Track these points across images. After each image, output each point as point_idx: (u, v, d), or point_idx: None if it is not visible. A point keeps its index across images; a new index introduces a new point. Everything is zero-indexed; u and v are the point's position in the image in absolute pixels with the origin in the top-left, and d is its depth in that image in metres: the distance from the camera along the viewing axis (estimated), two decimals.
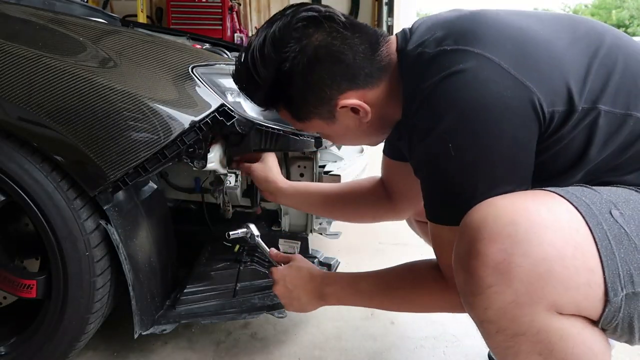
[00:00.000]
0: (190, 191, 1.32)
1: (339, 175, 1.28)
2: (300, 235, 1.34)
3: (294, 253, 1.32)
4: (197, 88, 1.02)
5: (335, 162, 1.39)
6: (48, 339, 1.02)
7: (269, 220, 1.38)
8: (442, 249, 0.78)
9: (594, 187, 0.69)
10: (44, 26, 1.01)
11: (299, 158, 1.31)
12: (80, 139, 0.92)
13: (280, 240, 1.33)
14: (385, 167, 1.11)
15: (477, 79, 0.68)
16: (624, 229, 0.63)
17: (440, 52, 0.73)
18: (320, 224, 1.40)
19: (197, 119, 0.98)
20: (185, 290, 1.18)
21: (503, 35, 0.72)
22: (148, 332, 1.08)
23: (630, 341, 0.67)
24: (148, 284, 1.08)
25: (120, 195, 1.01)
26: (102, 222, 0.98)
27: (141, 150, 0.94)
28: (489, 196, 0.69)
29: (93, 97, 0.92)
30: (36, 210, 0.94)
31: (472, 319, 0.68)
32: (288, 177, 1.32)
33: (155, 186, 1.14)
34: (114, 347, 1.23)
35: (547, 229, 0.62)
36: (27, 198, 0.93)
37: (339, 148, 1.49)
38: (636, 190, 0.70)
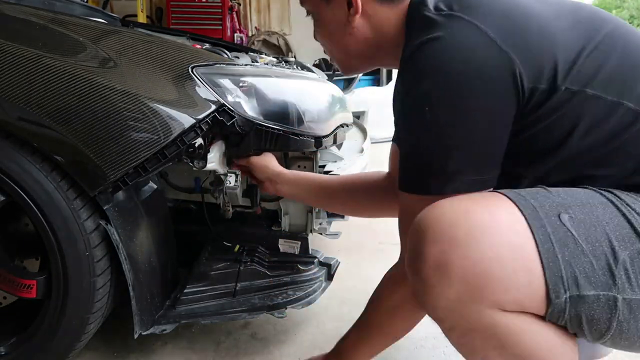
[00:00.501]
0: (190, 191, 1.32)
1: (339, 175, 1.28)
2: (300, 235, 1.34)
3: (294, 253, 1.32)
4: (197, 88, 1.02)
5: (335, 162, 1.39)
6: (48, 339, 1.02)
7: (269, 220, 1.38)
8: (405, 218, 0.77)
9: (551, 190, 0.70)
10: (44, 26, 1.01)
11: (299, 158, 1.31)
12: (80, 139, 0.92)
13: (280, 240, 1.33)
14: (393, 158, 1.09)
15: (458, 45, 0.69)
16: (571, 232, 0.63)
17: (434, 15, 0.73)
18: (320, 224, 1.40)
19: (197, 119, 0.98)
20: (185, 290, 1.18)
21: (499, 6, 0.73)
22: (148, 332, 1.09)
23: (588, 339, 0.67)
24: (148, 284, 1.08)
25: (120, 195, 1.01)
26: (102, 222, 0.98)
27: (141, 150, 0.94)
28: (459, 167, 0.70)
29: (93, 97, 0.92)
30: (36, 210, 0.94)
31: (426, 310, 0.71)
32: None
33: (155, 186, 1.14)
34: (114, 347, 1.23)
35: (485, 231, 0.63)
36: (27, 198, 0.93)
37: (339, 148, 1.49)
38: (601, 193, 0.69)
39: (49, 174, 0.94)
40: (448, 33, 0.69)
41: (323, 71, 2.11)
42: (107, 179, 0.94)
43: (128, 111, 0.93)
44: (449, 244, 0.64)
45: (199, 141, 0.99)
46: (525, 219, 0.64)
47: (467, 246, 0.63)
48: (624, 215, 0.65)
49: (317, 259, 1.32)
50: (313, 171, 1.31)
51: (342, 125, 1.35)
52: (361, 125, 2.02)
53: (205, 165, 1.03)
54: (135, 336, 1.05)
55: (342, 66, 0.97)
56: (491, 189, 0.73)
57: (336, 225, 1.52)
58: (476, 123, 0.69)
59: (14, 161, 0.93)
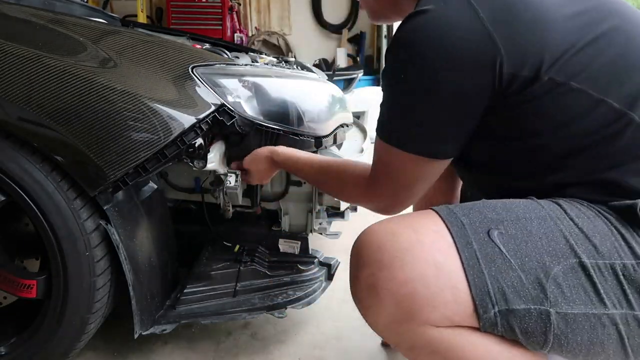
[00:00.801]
0: (190, 191, 1.32)
1: None
2: (300, 235, 1.34)
3: (294, 253, 1.32)
4: (197, 88, 1.02)
5: None
6: (48, 339, 1.02)
7: (269, 220, 1.38)
8: (375, 159, 0.82)
9: (489, 203, 0.71)
10: (44, 26, 1.01)
11: None
12: (81, 139, 0.92)
13: (280, 240, 1.33)
14: None
15: (442, 20, 0.68)
16: (499, 248, 0.64)
17: None
18: (320, 223, 1.40)
19: (197, 119, 0.98)
20: (185, 290, 1.18)
21: None
22: (148, 332, 1.09)
23: (531, 350, 0.68)
24: (148, 284, 1.08)
25: (120, 195, 1.01)
26: (102, 222, 0.98)
27: (141, 150, 0.94)
28: (422, 134, 0.73)
29: (93, 97, 0.92)
30: (36, 210, 0.94)
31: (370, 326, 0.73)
32: (288, 177, 1.32)
33: (155, 186, 1.14)
34: (114, 347, 1.23)
35: (409, 252, 0.65)
36: (27, 198, 0.93)
37: (339, 148, 1.49)
38: (542, 206, 0.69)
39: (49, 174, 0.94)
40: (438, 7, 0.69)
41: (323, 71, 2.11)
42: (107, 179, 0.94)
43: (128, 111, 0.93)
44: (377, 267, 0.66)
45: (199, 141, 0.99)
46: (452, 236, 0.66)
47: (393, 268, 0.65)
48: (560, 230, 0.66)
49: (317, 259, 1.32)
50: None
51: (342, 125, 1.35)
52: (361, 125, 2.01)
53: (205, 165, 1.03)
54: (135, 336, 1.05)
55: (370, 12, 0.96)
56: (445, 159, 0.75)
57: (336, 225, 1.51)
58: (443, 98, 0.69)
59: (14, 161, 0.93)
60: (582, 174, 0.71)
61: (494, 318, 0.63)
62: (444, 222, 0.68)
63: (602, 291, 0.63)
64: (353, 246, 0.73)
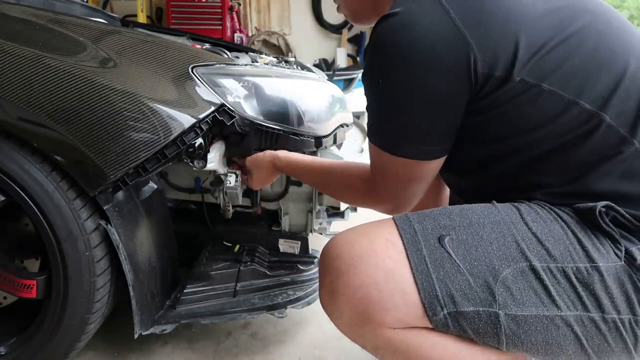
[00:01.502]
0: (190, 191, 1.32)
1: None
2: (300, 235, 1.34)
3: (294, 253, 1.32)
4: (197, 88, 1.02)
5: None
6: (48, 339, 1.02)
7: (269, 220, 1.38)
8: (370, 159, 0.83)
9: (445, 209, 0.73)
10: (44, 26, 1.01)
11: None
12: (80, 139, 0.92)
13: (280, 240, 1.33)
14: None
15: (415, 22, 0.68)
16: (448, 253, 0.67)
17: None
18: (320, 223, 1.40)
19: (197, 119, 0.98)
20: (185, 290, 1.18)
21: None
22: (148, 332, 1.09)
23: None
24: (148, 284, 1.08)
25: (120, 195, 1.01)
26: (102, 222, 0.98)
27: (141, 150, 0.94)
28: (405, 136, 0.74)
29: (93, 97, 0.92)
30: (36, 210, 0.94)
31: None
32: (288, 177, 1.32)
33: (155, 186, 1.14)
34: (114, 347, 1.23)
35: (362, 259, 0.69)
36: (27, 198, 0.93)
37: (339, 148, 1.49)
38: (499, 210, 0.71)
39: (49, 174, 0.94)
40: (410, 8, 0.69)
41: (323, 71, 2.11)
42: (107, 179, 0.94)
43: (128, 111, 0.93)
44: (335, 275, 0.71)
45: (199, 141, 0.99)
46: (403, 243, 0.69)
47: (348, 274, 0.69)
48: (512, 234, 0.68)
49: (317, 259, 1.32)
50: None
51: (342, 125, 1.35)
52: (361, 125, 2.01)
53: (205, 165, 1.03)
54: (135, 336, 1.05)
55: (351, 16, 0.96)
56: (435, 159, 0.77)
57: (336, 225, 1.51)
58: (423, 100, 0.70)
59: (14, 161, 0.93)
60: (552, 175, 0.72)
61: (444, 320, 0.66)
62: (397, 229, 0.71)
63: (554, 293, 0.65)
64: (320, 254, 0.77)
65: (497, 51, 0.67)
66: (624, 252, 0.66)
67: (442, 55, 0.67)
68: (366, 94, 0.78)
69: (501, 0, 0.70)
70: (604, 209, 0.67)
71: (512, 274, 0.66)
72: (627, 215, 0.67)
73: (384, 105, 0.75)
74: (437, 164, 0.78)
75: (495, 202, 0.74)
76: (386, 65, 0.71)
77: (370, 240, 0.71)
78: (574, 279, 0.65)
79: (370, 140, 0.80)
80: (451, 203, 1.17)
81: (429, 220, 0.71)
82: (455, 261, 0.67)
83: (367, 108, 0.79)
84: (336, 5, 0.96)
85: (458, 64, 0.67)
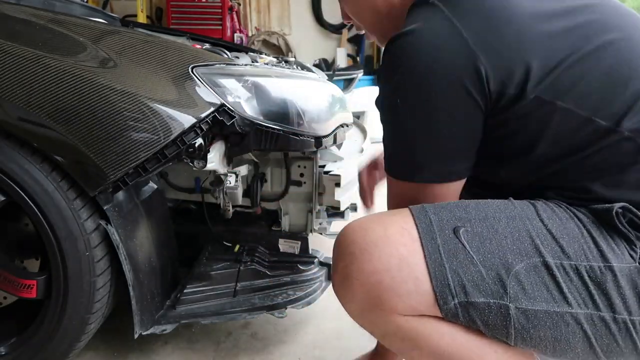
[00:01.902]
0: (190, 191, 1.32)
1: (339, 175, 1.28)
2: (300, 235, 1.34)
3: (294, 253, 1.32)
4: (197, 88, 1.02)
5: (335, 162, 1.39)
6: (48, 339, 1.02)
7: (269, 220, 1.38)
8: (388, 195, 0.84)
9: (462, 202, 0.73)
10: (44, 26, 1.01)
11: (299, 158, 1.31)
12: (80, 139, 0.92)
13: (280, 240, 1.33)
14: None
15: (428, 42, 0.70)
16: (462, 244, 0.68)
17: (422, 3, 0.75)
18: (320, 223, 1.40)
19: (197, 119, 0.98)
20: (185, 290, 1.18)
21: (484, 4, 0.72)
22: (148, 332, 1.08)
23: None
24: (148, 284, 1.08)
25: (120, 195, 1.01)
26: (102, 222, 0.98)
27: (141, 151, 0.94)
28: (425, 160, 0.74)
29: (93, 97, 0.92)
30: (36, 210, 0.94)
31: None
32: (288, 177, 1.32)
33: (155, 186, 1.14)
34: (114, 347, 1.23)
35: (377, 246, 0.70)
36: (27, 198, 0.93)
37: (339, 148, 1.49)
38: (515, 206, 0.71)
39: (49, 174, 0.94)
40: (422, 27, 0.70)
41: (323, 71, 2.11)
42: (107, 179, 0.94)
43: (128, 111, 0.93)
44: (349, 260, 0.71)
45: (199, 141, 0.99)
46: (418, 232, 0.70)
47: (362, 260, 0.70)
48: (527, 230, 0.69)
49: (317, 259, 1.32)
50: (313, 171, 1.31)
51: (342, 125, 1.35)
52: (361, 125, 2.01)
53: (205, 165, 1.03)
54: (135, 336, 1.05)
55: (361, 27, 0.96)
56: (458, 179, 0.77)
57: (336, 225, 1.51)
58: (438, 121, 0.72)
59: (14, 161, 0.93)
60: (565, 182, 0.73)
61: (455, 309, 0.67)
62: (413, 219, 0.71)
63: (565, 290, 0.65)
64: (335, 240, 0.77)
65: (509, 69, 0.68)
66: (639, 253, 0.66)
67: (457, 74, 0.68)
68: (383, 120, 0.78)
69: (515, 18, 0.70)
70: (620, 210, 0.67)
71: (524, 268, 0.66)
72: None
73: (402, 129, 0.75)
74: (459, 185, 0.78)
75: (512, 198, 0.74)
76: (403, 89, 0.72)
77: (385, 227, 0.71)
78: (586, 278, 0.65)
79: (389, 174, 0.80)
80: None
81: (445, 212, 0.72)
82: (469, 252, 0.67)
83: (384, 138, 0.79)
84: (363, 32, 0.96)
85: (472, 83, 0.68)
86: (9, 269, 1.02)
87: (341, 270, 0.73)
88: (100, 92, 0.92)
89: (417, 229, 0.70)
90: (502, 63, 0.68)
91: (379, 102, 0.77)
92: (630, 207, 0.68)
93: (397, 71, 0.72)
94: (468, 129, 0.72)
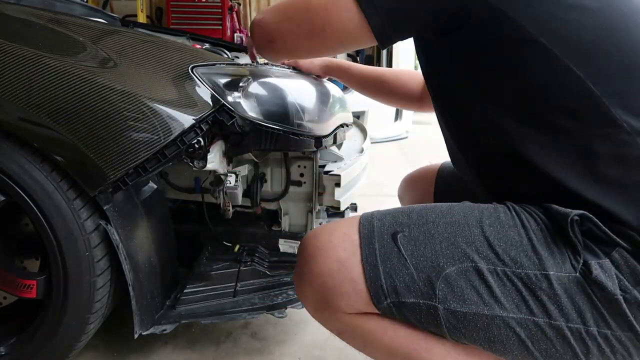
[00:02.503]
0: (190, 191, 1.32)
1: (339, 175, 1.28)
2: (300, 235, 1.34)
3: (294, 253, 1.32)
4: (197, 88, 1.02)
5: (335, 162, 1.39)
6: (48, 339, 1.02)
7: (269, 220, 1.38)
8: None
9: (410, 207, 0.78)
10: (44, 26, 1.01)
11: (298, 158, 1.31)
12: (80, 139, 0.92)
13: (280, 240, 1.33)
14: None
15: None
16: (398, 248, 0.73)
17: None
18: (320, 223, 1.40)
19: (197, 119, 0.98)
20: (185, 290, 1.18)
21: None
22: (148, 332, 1.09)
23: None
24: (148, 284, 1.08)
25: (120, 195, 1.01)
26: (102, 222, 0.98)
27: (141, 150, 0.94)
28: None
29: (93, 97, 0.92)
30: (36, 210, 0.94)
31: None
32: (288, 177, 1.32)
33: (155, 186, 1.14)
34: (114, 347, 1.23)
35: (321, 250, 0.76)
36: (27, 198, 0.93)
37: (339, 148, 1.49)
38: (462, 212, 0.74)
39: (49, 174, 0.94)
40: None
41: None
42: (107, 179, 0.94)
43: (128, 111, 0.93)
44: (301, 264, 0.79)
45: (199, 141, 0.99)
46: (360, 237, 0.75)
47: (310, 264, 0.77)
48: (463, 236, 0.71)
49: None
50: (313, 171, 1.31)
51: (342, 125, 1.35)
52: (361, 125, 2.01)
53: (205, 165, 1.03)
54: (135, 336, 1.05)
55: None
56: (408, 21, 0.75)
57: None
58: None
59: (14, 161, 0.93)
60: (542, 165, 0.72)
61: (389, 308, 0.72)
62: (359, 225, 0.77)
63: (498, 294, 0.68)
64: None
65: None
66: (580, 264, 0.66)
67: None
68: None
69: None
70: (577, 218, 0.66)
71: (455, 272, 0.69)
72: (603, 228, 0.66)
73: None
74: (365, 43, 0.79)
75: (465, 202, 0.78)
76: None
77: (330, 233, 0.78)
78: (519, 283, 0.67)
79: None
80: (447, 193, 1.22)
81: (389, 217, 0.77)
82: (403, 256, 0.72)
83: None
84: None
85: None
86: (9, 269, 1.02)
87: (297, 273, 0.81)
88: (100, 92, 0.92)
89: (359, 234, 0.75)
90: None
91: None
92: (591, 216, 0.67)
93: None
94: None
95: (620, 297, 0.64)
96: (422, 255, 0.71)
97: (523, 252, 0.68)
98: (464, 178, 0.96)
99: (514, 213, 0.73)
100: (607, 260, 0.66)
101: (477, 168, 0.85)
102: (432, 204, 0.79)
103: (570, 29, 0.67)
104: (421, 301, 0.70)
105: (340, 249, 0.75)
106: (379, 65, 5.86)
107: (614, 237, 0.66)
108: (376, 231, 0.75)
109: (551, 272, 0.66)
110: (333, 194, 1.29)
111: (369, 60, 6.13)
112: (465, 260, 0.69)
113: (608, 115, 0.67)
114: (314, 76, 1.31)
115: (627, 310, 0.64)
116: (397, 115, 5.01)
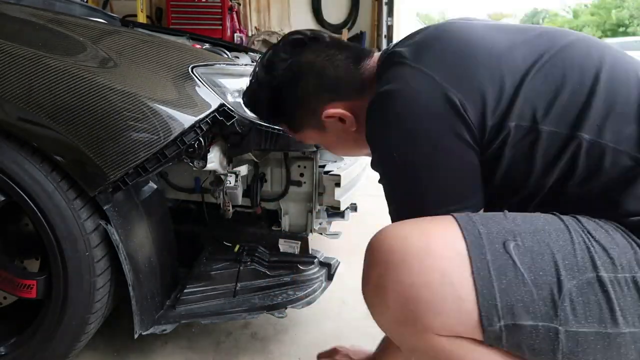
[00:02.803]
0: (190, 191, 1.32)
1: (339, 175, 1.28)
2: (300, 235, 1.33)
3: (294, 253, 1.32)
4: (197, 88, 1.02)
5: (335, 162, 1.39)
6: (48, 339, 1.02)
7: (269, 220, 1.38)
8: None
9: (509, 214, 0.69)
10: (44, 26, 1.01)
11: (299, 158, 1.31)
12: (80, 139, 0.92)
13: (280, 240, 1.33)
14: None
15: (406, 95, 0.72)
16: (513, 260, 0.63)
17: (390, 64, 0.78)
18: (320, 223, 1.40)
19: (197, 119, 0.98)
20: (185, 290, 1.18)
21: (449, 49, 0.75)
22: (148, 332, 1.08)
23: None
24: (148, 284, 1.08)
25: (120, 195, 1.01)
26: (102, 222, 0.98)
27: (141, 151, 0.94)
28: (437, 204, 0.72)
29: (93, 97, 0.92)
30: (36, 210, 0.94)
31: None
32: (288, 177, 1.32)
33: (155, 186, 1.14)
34: (114, 347, 1.23)
35: (417, 257, 0.65)
36: (27, 198, 0.93)
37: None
38: (562, 219, 0.68)
39: (48, 174, 0.94)
40: (397, 83, 0.73)
41: None
42: (107, 179, 0.94)
43: (128, 111, 0.93)
44: (385, 268, 0.67)
45: (199, 141, 0.99)
46: (467, 245, 0.65)
47: (400, 271, 0.66)
48: (579, 242, 0.64)
49: (317, 259, 1.32)
50: (313, 171, 1.31)
51: None
52: None
53: (205, 165, 1.03)
54: (135, 336, 1.05)
55: (368, 156, 0.95)
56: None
57: (336, 225, 1.51)
58: (439, 163, 0.72)
59: (14, 161, 0.93)
60: (586, 209, 0.70)
61: (499, 332, 0.62)
62: (460, 230, 0.66)
63: (617, 309, 0.61)
64: (368, 244, 0.73)
65: (483, 100, 0.69)
66: None
67: (442, 116, 0.69)
68: (385, 179, 0.78)
69: (479, 57, 0.72)
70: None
71: (576, 286, 0.61)
72: None
73: (408, 183, 0.74)
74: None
75: (555, 212, 0.70)
76: (400, 145, 0.72)
77: (427, 237, 0.67)
78: (636, 292, 0.62)
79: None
80: None
81: (493, 223, 0.67)
82: (520, 270, 0.62)
83: (388, 196, 0.78)
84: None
85: (457, 121, 0.69)
86: (9, 269, 1.02)
87: (375, 279, 0.69)
88: (100, 92, 0.92)
89: (465, 242, 0.65)
90: (476, 96, 0.69)
91: (378, 164, 0.78)
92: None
93: (388, 130, 0.73)
94: (469, 165, 0.72)
95: None
96: (541, 268, 0.62)
97: (635, 255, 0.63)
98: None
99: (603, 220, 0.67)
100: None
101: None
102: (529, 213, 0.70)
103: None
104: (540, 324, 0.61)
105: (443, 258, 0.64)
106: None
107: None
108: (485, 239, 0.65)
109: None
110: (333, 194, 1.29)
111: None
112: (588, 270, 0.62)
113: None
114: None
115: None
116: None
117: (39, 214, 0.94)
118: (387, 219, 0.77)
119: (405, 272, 0.65)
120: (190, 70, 1.03)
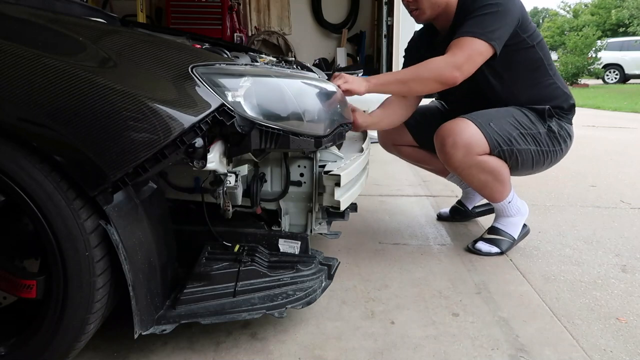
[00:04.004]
0: (190, 191, 1.32)
1: (339, 175, 1.28)
2: (300, 235, 1.34)
3: (294, 253, 1.32)
4: (196, 88, 1.02)
5: (335, 161, 1.39)
6: (48, 339, 1.01)
7: (269, 220, 1.38)
8: (464, 52, 1.63)
9: (488, 111, 1.79)
10: (44, 26, 1.01)
11: (299, 158, 1.32)
12: (80, 139, 0.92)
13: (280, 240, 1.33)
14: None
15: None
16: (491, 126, 1.72)
17: None
18: (320, 223, 1.40)
19: (196, 119, 0.98)
20: (185, 290, 1.18)
21: None
22: (148, 332, 1.08)
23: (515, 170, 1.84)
24: (148, 284, 1.08)
25: (120, 195, 1.01)
26: (102, 222, 0.98)
27: (141, 151, 0.94)
28: (499, 33, 1.67)
29: (93, 97, 0.92)
30: (36, 210, 0.93)
31: (448, 167, 1.79)
32: (288, 177, 1.32)
33: (155, 186, 1.14)
34: (114, 347, 1.23)
35: (464, 131, 1.71)
36: (26, 198, 0.93)
37: (339, 148, 1.49)
38: (513, 109, 1.83)
39: (48, 174, 0.94)
40: None
41: (323, 71, 2.11)
42: (107, 179, 0.94)
43: (128, 111, 0.93)
44: (455, 137, 1.69)
45: (199, 141, 0.99)
46: (477, 126, 1.70)
47: (459, 138, 1.69)
48: (516, 119, 1.76)
49: (317, 259, 1.32)
50: (313, 171, 1.31)
51: (342, 125, 1.35)
52: None
53: (205, 165, 1.03)
54: (135, 336, 1.05)
55: (420, 16, 1.86)
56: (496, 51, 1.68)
57: (336, 225, 1.51)
58: (510, 20, 1.70)
59: (13, 161, 0.93)
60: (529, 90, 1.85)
61: (498, 152, 1.72)
62: (472, 122, 1.70)
63: (525, 140, 1.77)
64: (440, 134, 1.74)
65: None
66: (546, 126, 1.79)
67: (520, 8, 1.74)
68: (485, 13, 1.64)
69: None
70: (547, 108, 1.81)
71: (518, 134, 1.74)
72: (558, 111, 1.84)
73: (495, 18, 1.64)
74: (492, 53, 1.67)
75: (507, 108, 1.83)
76: (503, 5, 1.66)
77: (458, 125, 1.71)
78: (532, 135, 1.80)
79: (475, 36, 1.62)
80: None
81: (483, 117, 1.74)
82: (494, 129, 1.71)
83: (480, 21, 1.64)
84: (415, 13, 1.85)
85: (518, 18, 1.73)
86: (8, 269, 1.02)
87: (450, 142, 1.70)
88: (100, 92, 0.92)
89: (475, 124, 1.70)
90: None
91: (488, 8, 1.65)
92: (551, 107, 1.82)
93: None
94: (511, 30, 1.71)
95: (557, 132, 1.82)
96: (502, 128, 1.72)
97: (530, 124, 1.78)
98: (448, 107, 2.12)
99: (519, 109, 1.82)
100: (554, 122, 1.83)
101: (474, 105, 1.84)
102: (494, 109, 1.80)
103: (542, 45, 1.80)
104: (505, 148, 1.72)
105: (470, 129, 1.70)
106: (379, 64, 5.87)
107: (554, 114, 1.83)
108: (481, 121, 1.71)
109: (541, 130, 1.78)
110: (333, 194, 1.29)
111: (369, 60, 6.13)
112: (520, 128, 1.75)
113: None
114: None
115: (558, 136, 1.82)
116: None
117: (39, 214, 0.94)
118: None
119: (463, 136, 1.69)
120: (190, 70, 1.03)
